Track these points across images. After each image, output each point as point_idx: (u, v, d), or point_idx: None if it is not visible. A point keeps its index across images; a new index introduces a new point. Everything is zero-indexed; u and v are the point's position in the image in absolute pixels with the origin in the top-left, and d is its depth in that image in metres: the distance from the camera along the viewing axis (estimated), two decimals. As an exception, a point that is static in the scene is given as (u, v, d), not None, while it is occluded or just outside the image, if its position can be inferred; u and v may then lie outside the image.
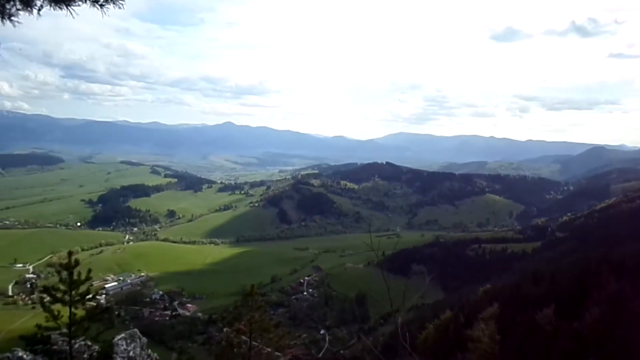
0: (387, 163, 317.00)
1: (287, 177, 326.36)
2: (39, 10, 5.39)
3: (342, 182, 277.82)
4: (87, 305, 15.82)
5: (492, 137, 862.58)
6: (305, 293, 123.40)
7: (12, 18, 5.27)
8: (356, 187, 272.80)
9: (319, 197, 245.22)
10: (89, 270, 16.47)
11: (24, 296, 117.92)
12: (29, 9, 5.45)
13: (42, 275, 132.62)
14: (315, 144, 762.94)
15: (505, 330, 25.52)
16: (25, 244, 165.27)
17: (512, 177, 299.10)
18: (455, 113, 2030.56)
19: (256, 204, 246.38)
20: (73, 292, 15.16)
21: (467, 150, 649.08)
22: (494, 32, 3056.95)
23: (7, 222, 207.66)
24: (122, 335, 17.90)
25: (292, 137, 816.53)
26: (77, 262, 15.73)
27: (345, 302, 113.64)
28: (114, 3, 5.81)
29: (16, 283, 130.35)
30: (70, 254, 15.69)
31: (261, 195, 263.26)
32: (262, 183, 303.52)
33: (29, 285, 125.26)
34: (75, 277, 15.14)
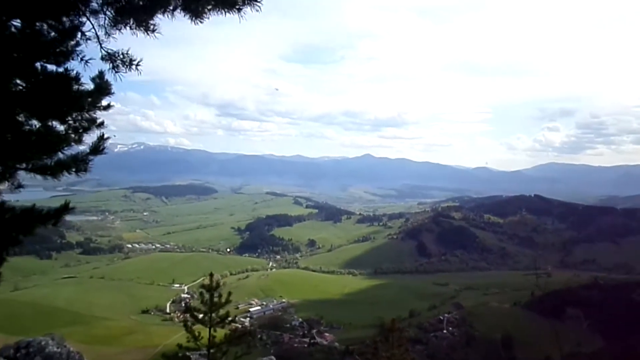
0: (536, 196, 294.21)
1: (427, 209, 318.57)
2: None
3: (486, 216, 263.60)
4: (227, 328, 16.08)
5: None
6: (445, 331, 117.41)
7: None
8: (501, 221, 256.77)
9: (461, 231, 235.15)
10: (229, 294, 16.74)
11: (179, 314, 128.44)
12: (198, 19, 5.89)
13: (195, 296, 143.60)
14: (456, 175, 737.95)
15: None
16: (182, 266, 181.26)
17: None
18: (614, 141, 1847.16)
19: (394, 236, 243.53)
20: (213, 315, 15.50)
21: (631, 182, 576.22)
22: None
23: (168, 246, 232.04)
24: (259, 360, 17.94)
25: (431, 169, 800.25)
26: (217, 285, 15.99)
27: (490, 344, 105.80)
28: (251, 5, 5.99)
29: (173, 301, 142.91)
30: (211, 275, 16.07)
31: (399, 227, 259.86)
32: (400, 215, 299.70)
33: (183, 304, 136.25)
34: (215, 299, 15.45)
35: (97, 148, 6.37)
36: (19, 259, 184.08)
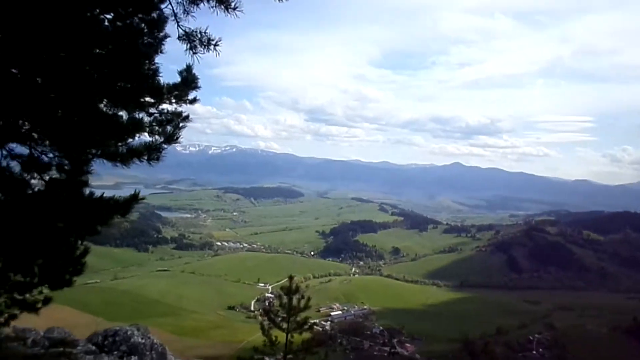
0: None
1: (519, 222, 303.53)
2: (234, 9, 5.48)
3: (585, 232, 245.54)
4: (305, 335, 15.63)
5: None
6: (534, 352, 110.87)
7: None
8: (602, 238, 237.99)
9: (556, 247, 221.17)
10: (309, 299, 16.26)
11: (262, 312, 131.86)
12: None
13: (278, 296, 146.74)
14: (552, 188, 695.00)
15: None
16: (268, 267, 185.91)
17: None
18: None
19: (483, 249, 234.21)
20: (291, 319, 15.12)
21: None
22: None
23: (255, 246, 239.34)
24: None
25: (525, 180, 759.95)
26: (297, 288, 15.61)
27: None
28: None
29: (257, 300, 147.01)
30: (291, 278, 15.73)
31: (489, 239, 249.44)
32: (490, 227, 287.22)
33: (267, 304, 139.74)
34: (294, 303, 15.10)
35: (172, 136, 6.29)
36: (120, 250, 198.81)
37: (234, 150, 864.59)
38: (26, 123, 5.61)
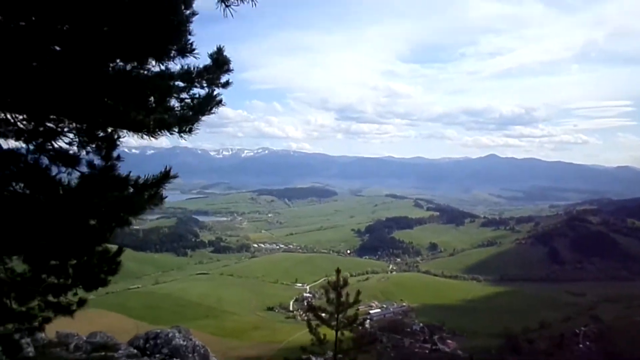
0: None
1: (559, 212, 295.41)
2: None
3: (629, 220, 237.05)
4: (355, 332, 14.83)
5: None
6: (580, 345, 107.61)
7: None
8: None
9: (599, 237, 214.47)
10: (358, 293, 15.17)
11: (301, 312, 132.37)
12: None
13: (316, 296, 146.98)
14: (593, 176, 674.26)
15: None
16: (304, 267, 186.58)
17: None
18: None
19: (523, 241, 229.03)
20: (340, 316, 14.33)
21: None
22: None
23: (291, 246, 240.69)
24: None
25: (564, 169, 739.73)
26: (345, 282, 14.83)
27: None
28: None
29: (296, 300, 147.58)
30: (338, 272, 14.91)
31: (528, 231, 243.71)
32: (529, 219, 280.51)
33: (305, 304, 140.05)
34: (343, 298, 14.35)
35: (206, 107, 5.81)
36: (160, 256, 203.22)
37: (267, 152, 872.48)
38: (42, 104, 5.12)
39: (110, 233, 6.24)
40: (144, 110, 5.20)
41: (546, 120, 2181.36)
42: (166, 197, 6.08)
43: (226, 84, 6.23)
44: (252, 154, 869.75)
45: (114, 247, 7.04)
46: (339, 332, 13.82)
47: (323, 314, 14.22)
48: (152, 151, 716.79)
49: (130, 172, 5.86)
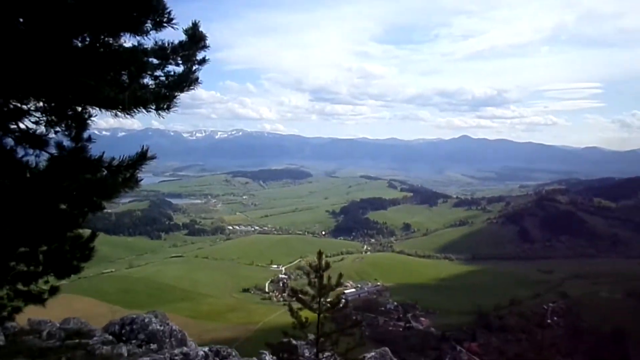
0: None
1: (529, 192, 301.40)
2: None
3: (595, 200, 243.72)
4: (336, 315, 14.64)
5: None
6: (549, 321, 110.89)
7: None
8: (613, 205, 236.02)
9: (567, 216, 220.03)
10: (340, 275, 14.84)
11: (277, 293, 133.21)
12: None
13: (292, 277, 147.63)
14: (562, 156, 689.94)
15: None
16: (279, 248, 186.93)
17: None
18: None
19: (494, 221, 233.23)
20: (322, 299, 14.12)
21: None
22: None
23: (266, 228, 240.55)
24: (372, 353, 17.08)
25: (534, 150, 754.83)
26: (327, 265, 14.43)
27: (599, 337, 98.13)
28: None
29: (271, 281, 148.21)
30: (320, 254, 14.58)
31: (500, 211, 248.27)
32: (500, 198, 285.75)
33: (281, 285, 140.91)
34: (325, 281, 14.13)
35: (183, 84, 5.51)
36: (133, 239, 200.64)
37: (240, 134, 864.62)
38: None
39: (83, 218, 5.95)
40: (117, 86, 4.88)
41: (517, 101, 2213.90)
42: (142, 179, 5.75)
43: (203, 61, 5.97)
44: (225, 135, 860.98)
45: (87, 232, 6.76)
46: (321, 315, 13.56)
47: (306, 297, 13.96)
48: (124, 133, 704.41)
49: (103, 152, 5.50)
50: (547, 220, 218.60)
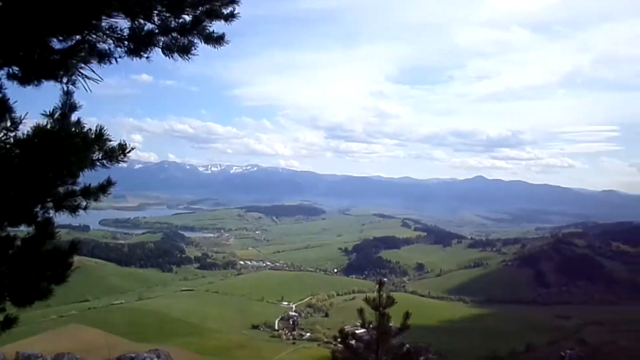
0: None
1: (546, 235, 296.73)
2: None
3: (614, 244, 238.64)
4: None
5: None
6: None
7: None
8: (632, 250, 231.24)
9: (584, 260, 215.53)
10: (407, 315, 13.63)
11: (286, 331, 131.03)
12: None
13: (302, 314, 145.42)
14: (578, 199, 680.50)
15: None
16: (290, 285, 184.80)
17: None
18: None
19: (509, 263, 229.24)
20: (381, 348, 12.05)
21: None
22: None
23: (278, 264, 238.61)
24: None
25: (550, 192, 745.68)
26: (392, 301, 12.47)
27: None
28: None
29: (281, 319, 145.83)
30: (381, 284, 11.85)
31: (515, 253, 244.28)
32: (516, 241, 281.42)
33: (291, 322, 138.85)
34: (390, 323, 11.35)
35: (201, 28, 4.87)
36: (144, 271, 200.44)
37: (255, 169, 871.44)
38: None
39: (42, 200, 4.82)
40: None
41: (533, 143, 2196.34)
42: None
43: (230, 16, 5.22)
44: (240, 170, 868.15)
45: (65, 244, 5.15)
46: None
47: (358, 343, 11.31)
48: (140, 165, 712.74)
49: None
50: (564, 264, 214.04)
